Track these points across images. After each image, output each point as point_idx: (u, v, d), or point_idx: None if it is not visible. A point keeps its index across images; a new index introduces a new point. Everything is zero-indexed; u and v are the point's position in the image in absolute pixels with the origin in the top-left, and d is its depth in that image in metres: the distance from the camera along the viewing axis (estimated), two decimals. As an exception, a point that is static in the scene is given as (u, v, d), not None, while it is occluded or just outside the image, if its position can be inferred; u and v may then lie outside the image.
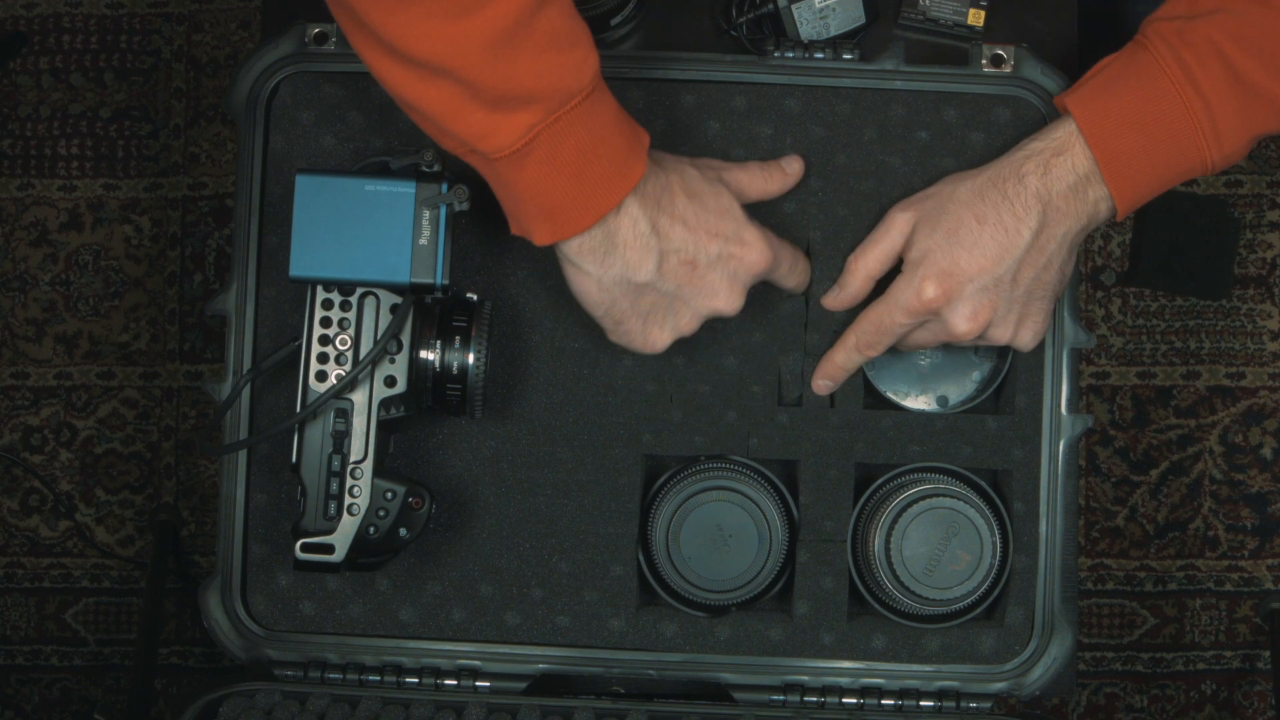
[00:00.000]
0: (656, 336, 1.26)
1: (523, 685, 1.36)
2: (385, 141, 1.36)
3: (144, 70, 2.35)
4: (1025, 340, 1.30)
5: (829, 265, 1.35)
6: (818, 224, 1.36)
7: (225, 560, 1.36)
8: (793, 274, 1.31)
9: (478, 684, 1.36)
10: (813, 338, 1.35)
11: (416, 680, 1.36)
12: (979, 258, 1.24)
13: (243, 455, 1.36)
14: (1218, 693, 2.21)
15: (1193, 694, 2.20)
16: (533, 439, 1.36)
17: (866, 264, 1.32)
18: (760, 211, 1.34)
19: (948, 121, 1.36)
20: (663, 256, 1.20)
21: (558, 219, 1.17)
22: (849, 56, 1.37)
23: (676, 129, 1.36)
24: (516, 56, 1.11)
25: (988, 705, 1.35)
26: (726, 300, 1.25)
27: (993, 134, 1.36)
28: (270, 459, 1.36)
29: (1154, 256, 2.15)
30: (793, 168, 1.34)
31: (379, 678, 1.36)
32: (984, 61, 1.37)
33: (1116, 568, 2.20)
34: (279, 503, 1.36)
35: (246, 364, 1.35)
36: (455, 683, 1.36)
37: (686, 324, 1.26)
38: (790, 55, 1.37)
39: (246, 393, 1.35)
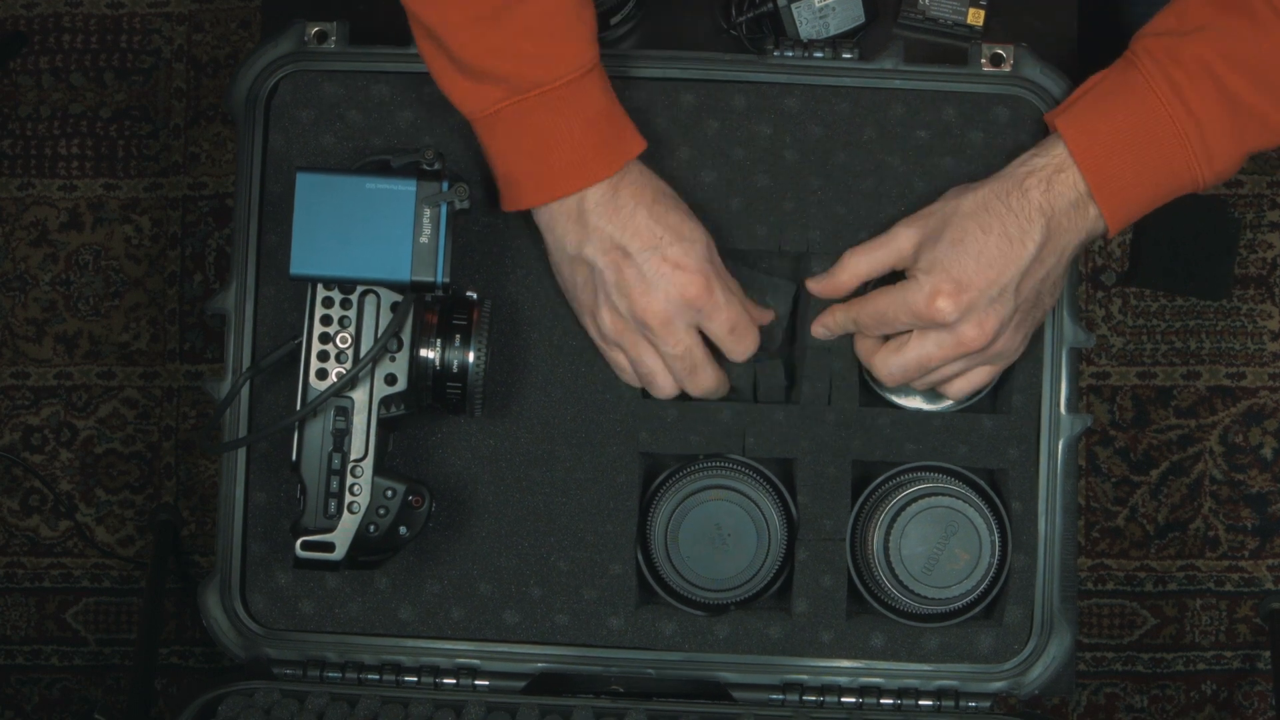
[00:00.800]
0: (597, 320, 1.30)
1: (521, 684, 1.36)
2: (385, 140, 1.36)
3: (144, 70, 2.35)
4: (1018, 351, 1.31)
5: (829, 265, 1.34)
6: (817, 223, 1.36)
7: (224, 559, 1.36)
8: (733, 334, 1.30)
9: (477, 683, 1.35)
10: (806, 328, 1.35)
11: (415, 679, 1.35)
12: (986, 268, 1.24)
13: (242, 454, 1.36)
14: (1218, 693, 2.20)
15: (1193, 694, 2.20)
16: (531, 437, 1.36)
17: (860, 264, 1.32)
18: (760, 211, 1.35)
19: (947, 120, 1.36)
20: (597, 236, 1.25)
21: (514, 190, 1.25)
22: (848, 56, 1.37)
23: (676, 127, 1.36)
24: (491, 35, 1.18)
25: (987, 704, 1.35)
26: (653, 306, 1.26)
27: (992, 133, 1.36)
28: (269, 458, 1.36)
29: (1154, 256, 2.15)
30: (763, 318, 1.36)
31: (378, 676, 1.35)
32: (983, 61, 1.36)
33: (1116, 568, 2.20)
34: (278, 501, 1.36)
35: (246, 363, 1.35)
36: (454, 681, 1.35)
37: (613, 322, 1.29)
38: (790, 54, 1.37)
39: (246, 391, 1.35)
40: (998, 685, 1.35)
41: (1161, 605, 2.20)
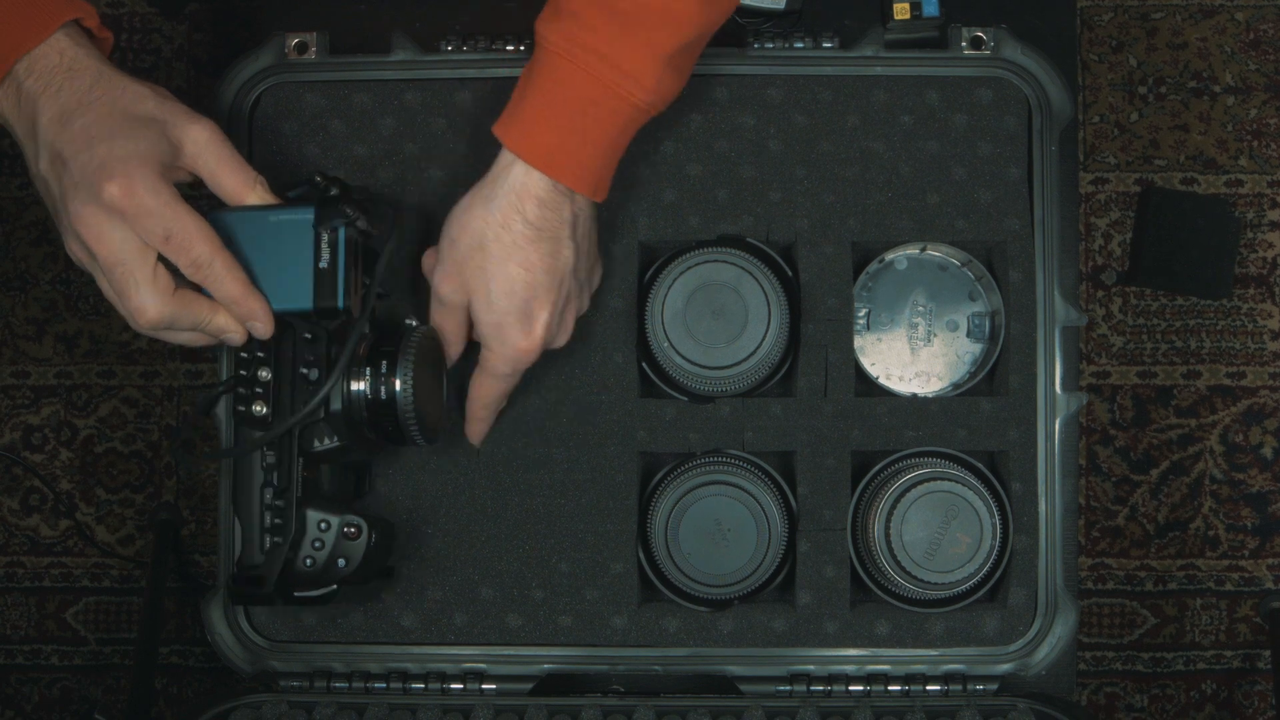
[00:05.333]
0: (69, 251, 1.17)
1: (528, 686, 1.36)
2: (368, 149, 1.36)
3: (144, 70, 2.34)
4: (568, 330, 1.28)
5: (818, 253, 1.34)
6: (804, 212, 1.35)
7: (227, 573, 1.36)
8: (170, 244, 1.15)
9: (484, 687, 1.36)
10: (808, 328, 1.35)
11: (422, 685, 1.36)
12: (525, 299, 1.23)
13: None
14: (1218, 692, 2.21)
15: (1193, 694, 2.21)
16: (527, 441, 1.36)
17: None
18: (747, 202, 1.35)
19: (930, 105, 1.36)
20: (44, 148, 1.14)
21: None
22: (829, 45, 1.37)
23: (659, 121, 1.35)
24: None
25: (994, 687, 1.36)
26: (79, 211, 1.13)
27: (976, 115, 1.35)
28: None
29: (1154, 256, 2.15)
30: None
31: (385, 684, 1.36)
32: (964, 44, 1.36)
33: (1117, 567, 2.20)
34: (277, 514, 1.36)
35: (239, 377, 1.35)
36: (461, 686, 1.36)
37: (73, 248, 1.16)
38: (770, 45, 1.37)
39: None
40: (1005, 667, 1.36)
41: (1161, 605, 2.21)
